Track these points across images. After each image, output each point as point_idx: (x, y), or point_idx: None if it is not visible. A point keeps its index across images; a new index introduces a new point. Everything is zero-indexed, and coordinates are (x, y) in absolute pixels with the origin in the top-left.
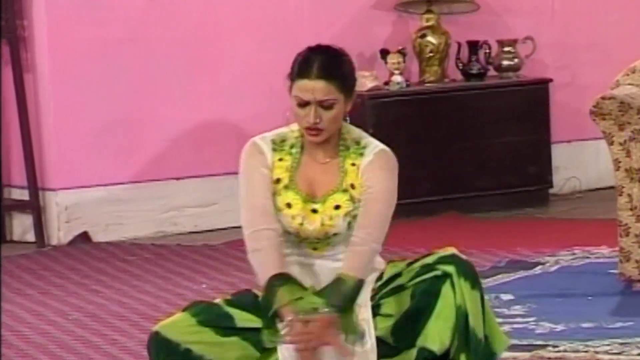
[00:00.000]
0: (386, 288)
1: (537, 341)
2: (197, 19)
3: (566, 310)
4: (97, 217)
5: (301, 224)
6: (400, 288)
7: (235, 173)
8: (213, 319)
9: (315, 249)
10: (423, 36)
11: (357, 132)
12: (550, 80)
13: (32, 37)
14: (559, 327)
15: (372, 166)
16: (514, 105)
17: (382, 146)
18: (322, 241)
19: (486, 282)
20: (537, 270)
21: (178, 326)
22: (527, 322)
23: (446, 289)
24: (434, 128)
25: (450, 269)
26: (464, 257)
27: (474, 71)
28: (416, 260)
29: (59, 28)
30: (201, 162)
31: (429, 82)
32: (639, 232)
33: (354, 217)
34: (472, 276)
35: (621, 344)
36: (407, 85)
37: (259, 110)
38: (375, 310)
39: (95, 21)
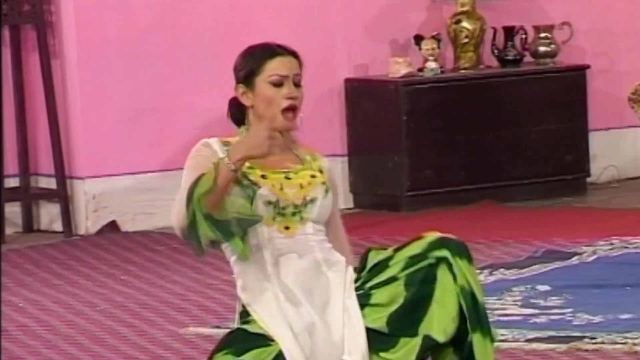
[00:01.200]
0: (375, 279)
1: (574, 333)
2: (227, 5)
3: (604, 301)
4: (126, 206)
5: (281, 189)
6: (392, 279)
7: None
8: (246, 341)
9: (287, 227)
10: (458, 22)
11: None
12: (588, 66)
13: (60, 22)
14: (597, 319)
15: (331, 180)
16: (551, 93)
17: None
18: (299, 211)
19: (522, 273)
20: (574, 260)
21: None
22: (564, 314)
23: (443, 274)
24: (469, 115)
25: (443, 252)
26: (452, 237)
27: (510, 57)
28: (403, 246)
29: (86, 14)
30: None
31: (464, 69)
32: None
33: (327, 190)
34: (466, 254)
35: None
36: (442, 72)
37: None
38: (364, 300)
39: (123, 7)
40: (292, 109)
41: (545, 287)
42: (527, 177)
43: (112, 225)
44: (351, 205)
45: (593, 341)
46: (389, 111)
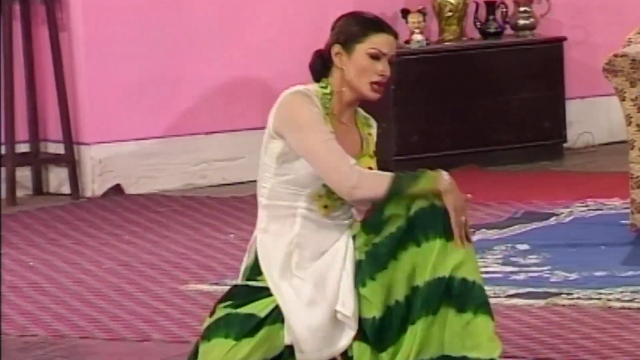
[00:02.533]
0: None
1: (552, 289)
2: None
3: (579, 259)
4: (130, 170)
5: None
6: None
7: (263, 128)
8: (241, 326)
9: (325, 206)
10: None
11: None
12: (565, 38)
13: None
14: (573, 276)
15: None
16: (530, 63)
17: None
18: (332, 199)
19: (503, 233)
20: (552, 221)
21: (221, 355)
22: (542, 271)
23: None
24: (453, 85)
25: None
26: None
27: (492, 30)
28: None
29: None
30: (230, 118)
31: (448, 41)
32: None
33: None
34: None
35: (632, 291)
36: (427, 44)
37: (286, 69)
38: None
39: None
40: (380, 84)
41: (525, 246)
42: (508, 143)
43: (117, 188)
44: None
45: (569, 297)
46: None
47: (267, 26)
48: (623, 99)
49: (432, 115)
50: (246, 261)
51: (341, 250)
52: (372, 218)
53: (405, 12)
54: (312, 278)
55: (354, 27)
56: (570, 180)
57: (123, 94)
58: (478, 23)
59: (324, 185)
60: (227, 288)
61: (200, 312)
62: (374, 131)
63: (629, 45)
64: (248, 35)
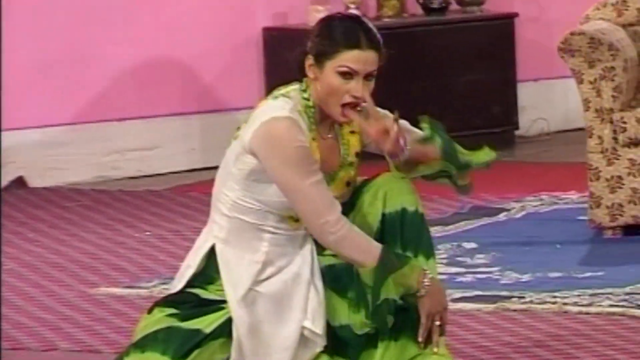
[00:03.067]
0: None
1: (502, 292)
2: None
3: (533, 259)
4: (34, 161)
5: None
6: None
7: (180, 114)
8: (183, 343)
9: (297, 220)
10: None
11: None
12: (516, 14)
13: None
14: (525, 277)
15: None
16: (478, 42)
17: None
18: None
19: (448, 230)
20: (502, 216)
21: None
22: (491, 272)
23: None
24: (392, 66)
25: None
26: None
27: (435, 5)
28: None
29: None
30: (144, 103)
31: (387, 17)
32: (609, 176)
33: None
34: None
35: (591, 294)
36: None
37: (207, 47)
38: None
39: None
40: (352, 106)
41: (472, 245)
42: (454, 130)
43: (20, 181)
44: None
45: (521, 301)
46: (296, 63)
47: (184, 0)
48: (580, 82)
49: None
50: (194, 266)
51: (307, 260)
52: None
53: None
54: (277, 294)
55: (325, 41)
56: (522, 172)
57: (26, 76)
58: None
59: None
60: (141, 292)
61: (112, 318)
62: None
63: (586, 22)
64: (165, 10)
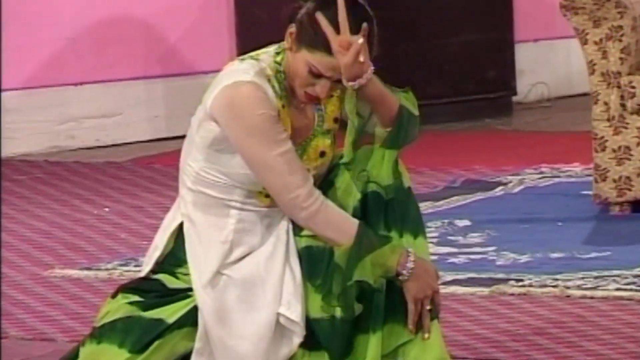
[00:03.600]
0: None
1: (498, 274)
2: None
3: (532, 238)
4: None
5: None
6: None
7: (143, 78)
8: (142, 334)
9: (267, 196)
10: None
11: None
12: None
13: None
14: (524, 258)
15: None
16: None
17: None
18: None
19: (438, 206)
20: (498, 191)
21: None
22: (486, 253)
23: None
24: (378, 26)
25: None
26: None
27: None
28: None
29: None
30: (103, 65)
31: None
32: (617, 147)
33: (332, 160)
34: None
35: (596, 277)
36: None
37: (169, 4)
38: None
39: None
40: (312, 98)
41: (465, 222)
42: (444, 96)
43: None
44: None
45: (519, 284)
46: (285, 20)
47: None
48: (585, 43)
49: None
50: (161, 247)
51: (282, 239)
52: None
53: None
54: (248, 277)
55: (311, 32)
56: (520, 142)
57: None
58: None
59: None
60: (100, 274)
61: (67, 302)
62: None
63: None
64: None
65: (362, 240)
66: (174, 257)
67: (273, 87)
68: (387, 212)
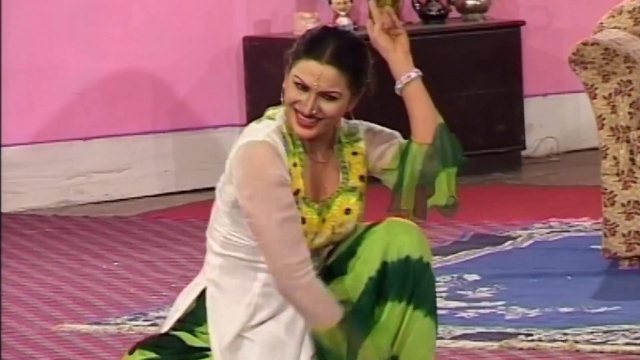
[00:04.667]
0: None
1: (507, 329)
2: None
3: (541, 292)
4: None
5: (312, 240)
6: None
7: (152, 132)
8: None
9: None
10: None
11: (344, 123)
12: (523, 23)
13: None
14: (533, 313)
15: (372, 138)
16: (480, 53)
17: (360, 121)
18: (318, 254)
19: (447, 260)
20: (507, 245)
21: None
22: (495, 307)
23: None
24: (387, 78)
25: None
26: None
27: (434, 12)
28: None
29: None
30: (112, 120)
31: None
32: (626, 201)
33: (359, 216)
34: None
35: (605, 331)
36: (355, 29)
37: (178, 58)
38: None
39: None
40: (298, 121)
41: (474, 277)
42: None
43: None
44: None
45: (529, 338)
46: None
47: (155, 7)
48: (594, 97)
49: (360, 114)
50: (185, 305)
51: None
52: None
53: None
54: (268, 340)
55: (295, 47)
56: (529, 196)
57: None
58: (417, 4)
59: None
60: (109, 329)
61: (76, 357)
62: (360, 145)
63: (600, 31)
64: (134, 17)
65: (351, 327)
66: (195, 316)
67: (287, 143)
68: (402, 283)
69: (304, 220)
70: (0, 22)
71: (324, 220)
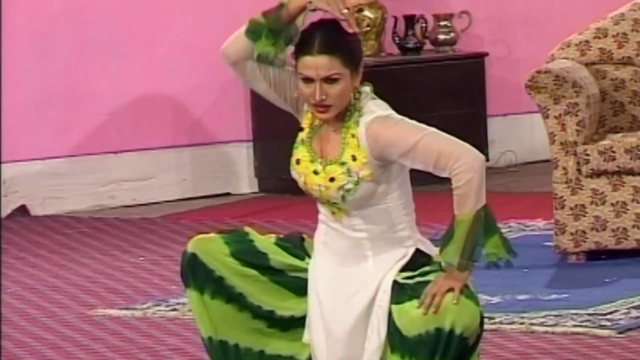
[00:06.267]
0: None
1: None
2: None
3: (502, 282)
4: (35, 190)
5: (305, 183)
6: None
7: (173, 147)
8: (246, 251)
9: (333, 212)
10: (360, 10)
11: (365, 101)
12: (486, 54)
13: None
14: (495, 299)
15: (376, 136)
16: (450, 79)
17: (377, 114)
18: (333, 205)
19: None
20: None
21: (212, 252)
22: None
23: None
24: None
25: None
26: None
27: (411, 45)
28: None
29: None
30: (138, 136)
31: (366, 57)
32: (574, 205)
33: (348, 191)
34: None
35: (556, 315)
36: None
37: (195, 84)
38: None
39: None
40: (318, 108)
41: None
42: None
43: (22, 210)
44: (256, 189)
45: (491, 321)
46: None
47: (175, 39)
48: (546, 117)
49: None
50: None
51: (367, 296)
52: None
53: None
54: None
55: (297, 43)
56: (492, 201)
57: (28, 111)
58: (397, 38)
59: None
60: (136, 313)
61: (109, 337)
62: (360, 129)
63: (552, 60)
64: (156, 49)
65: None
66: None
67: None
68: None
69: (298, 161)
70: (1, 22)
71: (315, 172)
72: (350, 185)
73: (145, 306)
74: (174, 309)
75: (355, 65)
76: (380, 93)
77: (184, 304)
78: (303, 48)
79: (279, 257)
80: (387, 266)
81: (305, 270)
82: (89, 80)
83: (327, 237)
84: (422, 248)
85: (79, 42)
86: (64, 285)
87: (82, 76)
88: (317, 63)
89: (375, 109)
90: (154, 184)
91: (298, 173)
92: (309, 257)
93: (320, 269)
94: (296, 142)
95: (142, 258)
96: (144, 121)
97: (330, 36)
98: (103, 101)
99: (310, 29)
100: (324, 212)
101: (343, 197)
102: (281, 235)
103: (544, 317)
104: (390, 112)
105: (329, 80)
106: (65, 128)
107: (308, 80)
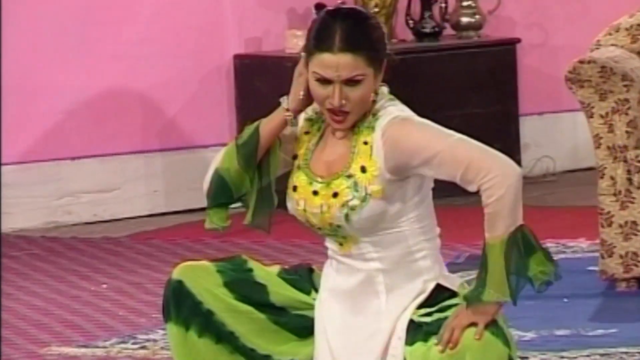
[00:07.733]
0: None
1: None
2: None
3: (537, 315)
4: None
5: (304, 210)
6: None
7: (142, 151)
8: (242, 282)
9: (340, 244)
10: None
11: (382, 102)
12: (518, 40)
13: None
14: (529, 335)
15: (395, 140)
16: (475, 71)
17: (396, 114)
18: (336, 233)
19: None
20: None
21: (202, 281)
22: None
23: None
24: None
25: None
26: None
27: (427, 29)
28: None
29: None
30: (101, 139)
31: None
32: (623, 222)
33: (353, 209)
34: None
35: (602, 354)
36: None
37: (169, 76)
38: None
39: None
40: (334, 113)
41: None
42: None
43: None
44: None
45: None
46: (286, 92)
47: (144, 25)
48: (591, 116)
49: None
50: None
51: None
52: None
53: (320, 8)
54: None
55: (309, 38)
56: (525, 217)
57: None
58: (411, 21)
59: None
60: (97, 352)
61: None
62: (375, 135)
63: (597, 48)
64: (123, 35)
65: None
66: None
67: (310, 116)
68: None
69: (295, 188)
70: (0, 22)
71: (315, 193)
72: (355, 202)
73: (107, 344)
74: (143, 347)
75: (379, 64)
76: (391, 87)
77: (154, 340)
78: (321, 43)
79: (281, 291)
80: (403, 304)
81: (310, 307)
82: (40, 72)
83: (338, 274)
84: (444, 283)
85: (29, 27)
86: (11, 318)
87: (32, 67)
88: (339, 62)
89: (393, 110)
90: (119, 196)
91: (296, 200)
92: (316, 291)
93: (329, 311)
94: (291, 171)
95: (104, 285)
96: (107, 122)
97: (354, 31)
98: (58, 97)
99: (326, 19)
100: (331, 247)
101: (347, 217)
102: (286, 267)
103: (588, 356)
104: (412, 114)
105: (351, 82)
106: (13, 130)
107: (325, 81)
